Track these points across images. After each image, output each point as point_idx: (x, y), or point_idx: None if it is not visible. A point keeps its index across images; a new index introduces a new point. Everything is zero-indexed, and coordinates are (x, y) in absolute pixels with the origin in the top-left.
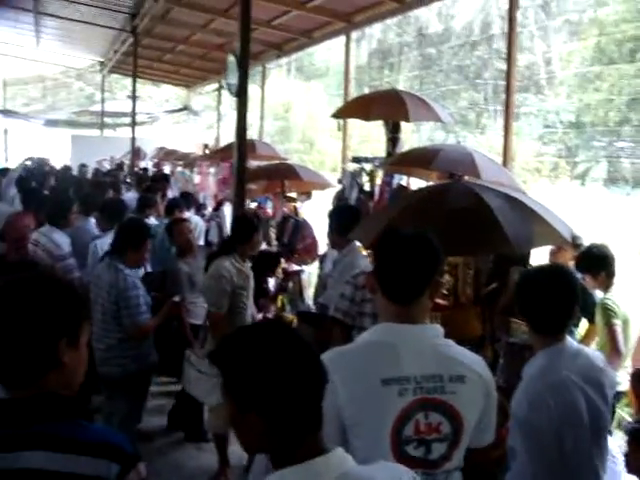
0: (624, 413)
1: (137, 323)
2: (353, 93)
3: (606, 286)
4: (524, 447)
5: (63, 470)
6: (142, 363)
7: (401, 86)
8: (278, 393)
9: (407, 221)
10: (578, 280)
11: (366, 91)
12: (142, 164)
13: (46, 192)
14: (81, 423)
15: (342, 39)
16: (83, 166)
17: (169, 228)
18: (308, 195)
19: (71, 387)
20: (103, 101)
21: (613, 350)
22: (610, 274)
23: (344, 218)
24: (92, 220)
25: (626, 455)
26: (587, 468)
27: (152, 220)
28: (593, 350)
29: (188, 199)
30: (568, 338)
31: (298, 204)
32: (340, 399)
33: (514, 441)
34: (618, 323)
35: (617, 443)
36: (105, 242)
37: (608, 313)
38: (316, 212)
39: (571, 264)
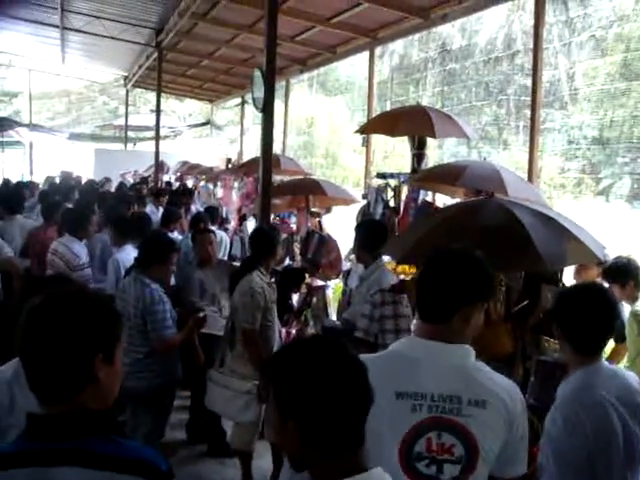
0: None
1: (163, 337)
2: (375, 108)
3: (634, 297)
4: (556, 467)
5: None
6: (168, 377)
7: (424, 101)
8: (318, 404)
9: (440, 237)
10: (616, 300)
11: (388, 106)
12: (165, 178)
13: (69, 205)
14: (115, 439)
15: (365, 55)
16: (107, 180)
17: (193, 238)
18: (328, 209)
19: (106, 403)
20: (127, 115)
21: None
22: (638, 284)
23: (371, 234)
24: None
25: None
26: None
27: (175, 235)
28: (628, 371)
29: (213, 213)
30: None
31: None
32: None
33: (545, 459)
34: None
35: None
36: (125, 256)
37: None
38: (340, 227)
39: (597, 281)
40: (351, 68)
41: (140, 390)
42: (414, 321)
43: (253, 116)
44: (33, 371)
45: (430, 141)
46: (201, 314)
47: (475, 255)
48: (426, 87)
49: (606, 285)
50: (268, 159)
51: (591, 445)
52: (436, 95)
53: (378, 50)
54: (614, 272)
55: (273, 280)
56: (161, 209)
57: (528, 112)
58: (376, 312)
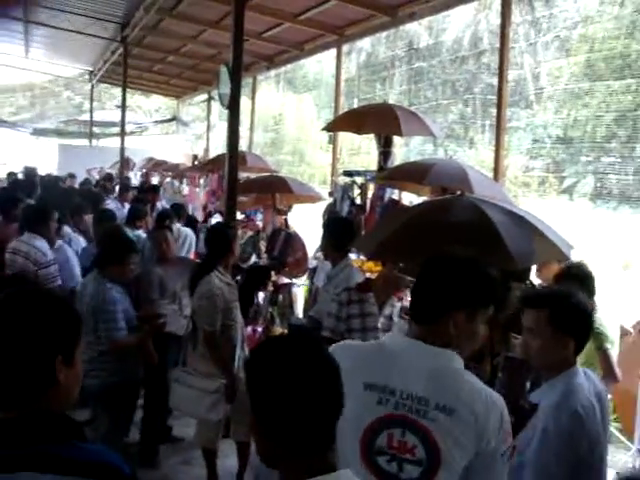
0: (613, 429)
1: (112, 338)
2: (343, 106)
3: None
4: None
5: None
6: (123, 376)
7: (391, 99)
8: (288, 403)
9: (411, 233)
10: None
11: (356, 104)
12: (131, 174)
13: (32, 202)
14: (76, 443)
15: (333, 52)
16: (71, 176)
17: (151, 235)
18: (289, 207)
19: (66, 405)
20: (92, 110)
21: (609, 375)
22: (590, 294)
23: (339, 231)
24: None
25: None
26: None
27: (141, 232)
28: (592, 372)
29: (178, 210)
30: None
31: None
32: None
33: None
34: (609, 347)
35: None
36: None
37: (600, 337)
38: (306, 225)
39: None
40: (319, 65)
41: (93, 389)
42: (381, 319)
43: (220, 112)
44: None
45: (397, 139)
46: (161, 320)
47: (471, 259)
48: (393, 85)
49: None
50: (234, 156)
51: (582, 449)
52: (403, 93)
53: (346, 47)
54: (566, 276)
55: (238, 278)
56: (127, 206)
57: (494, 111)
58: (343, 311)
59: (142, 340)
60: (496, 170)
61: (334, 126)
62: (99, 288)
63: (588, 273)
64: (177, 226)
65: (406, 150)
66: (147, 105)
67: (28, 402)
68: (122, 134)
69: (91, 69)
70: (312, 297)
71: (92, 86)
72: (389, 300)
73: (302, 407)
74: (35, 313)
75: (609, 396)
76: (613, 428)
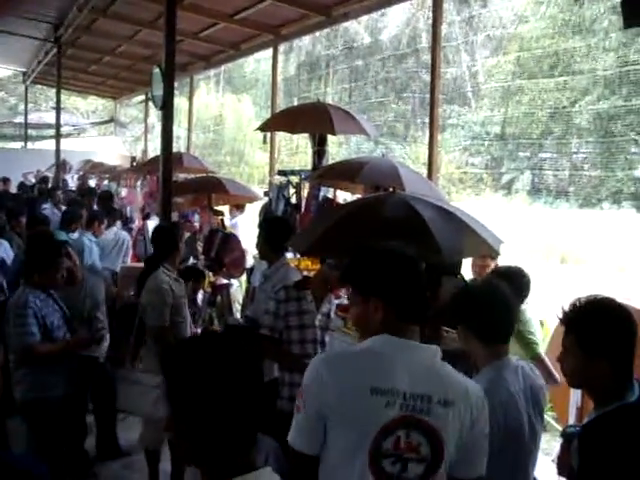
0: (548, 417)
1: (22, 344)
2: (282, 105)
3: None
4: None
5: None
6: (43, 392)
7: (330, 98)
8: (207, 402)
9: (345, 230)
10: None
11: (296, 103)
12: (68, 177)
13: None
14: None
15: (270, 51)
16: (5, 180)
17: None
18: (241, 208)
19: None
20: (26, 112)
21: (549, 379)
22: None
23: (274, 231)
24: None
25: (559, 458)
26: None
27: (76, 235)
28: (530, 365)
29: (111, 213)
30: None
31: (234, 219)
32: (329, 398)
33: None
34: (542, 352)
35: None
36: None
37: (532, 347)
38: (245, 225)
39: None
40: (258, 65)
41: (17, 402)
42: (319, 316)
43: (158, 114)
44: None
45: (336, 138)
46: (97, 336)
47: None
48: (333, 83)
49: None
50: (168, 157)
51: (499, 439)
52: (343, 91)
53: (285, 47)
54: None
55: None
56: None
57: None
58: (281, 309)
59: (61, 349)
60: (430, 167)
61: (268, 126)
62: (19, 295)
63: (517, 273)
64: (114, 229)
65: (347, 148)
66: (84, 106)
67: None
68: (57, 136)
69: (25, 70)
70: (249, 297)
71: (26, 87)
72: (326, 298)
73: (218, 405)
74: None
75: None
76: (549, 417)
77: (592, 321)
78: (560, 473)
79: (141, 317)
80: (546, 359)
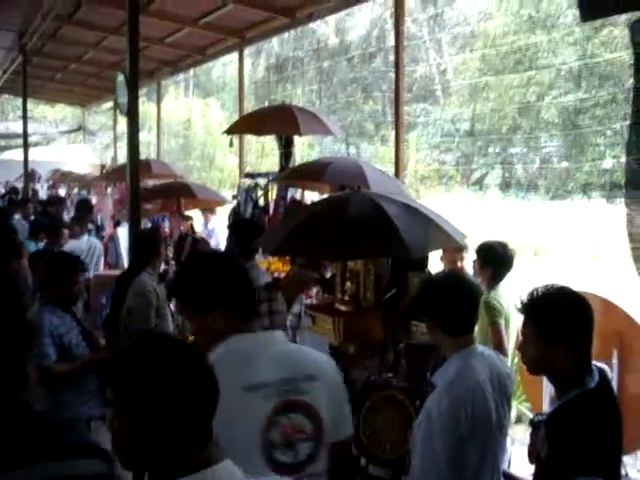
0: (523, 407)
1: (39, 365)
2: (251, 108)
3: (491, 284)
4: (427, 446)
5: (101, 472)
6: (61, 412)
7: (299, 100)
8: (156, 401)
9: (311, 228)
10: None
11: (266, 105)
12: (37, 187)
13: None
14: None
15: (236, 55)
16: None
17: (32, 261)
18: (212, 211)
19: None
20: None
21: (498, 349)
22: (496, 274)
23: (244, 233)
24: None
25: (530, 446)
26: (492, 468)
27: (43, 245)
28: (497, 353)
29: (80, 221)
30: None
31: (209, 224)
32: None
33: (418, 440)
34: (501, 322)
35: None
36: None
37: (492, 312)
38: (222, 229)
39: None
40: (225, 69)
41: None
42: (289, 317)
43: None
44: None
45: (307, 139)
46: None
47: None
48: (302, 85)
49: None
50: (135, 164)
51: (467, 427)
52: (312, 93)
53: (252, 50)
54: (481, 251)
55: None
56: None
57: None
58: None
59: (79, 368)
60: (397, 165)
61: (235, 129)
62: (34, 314)
63: (503, 254)
64: (85, 237)
65: (320, 149)
66: (52, 115)
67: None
68: (25, 145)
69: None
70: None
71: None
72: (297, 298)
73: (168, 403)
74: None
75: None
76: (523, 407)
77: (550, 309)
78: (531, 461)
79: (125, 324)
80: (502, 330)
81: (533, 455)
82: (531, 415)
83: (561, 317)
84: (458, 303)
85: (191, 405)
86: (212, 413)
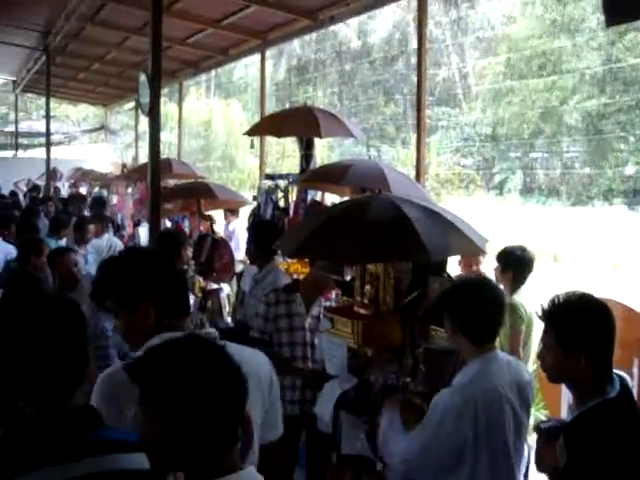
0: (541, 414)
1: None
2: (273, 109)
3: (513, 287)
4: (436, 436)
5: (141, 468)
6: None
7: (320, 102)
8: (188, 404)
9: (330, 231)
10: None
11: (287, 107)
12: (59, 185)
13: None
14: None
15: (258, 56)
16: None
17: (51, 258)
18: (235, 214)
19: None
20: (17, 121)
21: (513, 354)
22: (517, 277)
23: (263, 235)
24: None
25: (537, 453)
26: (505, 473)
27: (63, 242)
28: (518, 360)
29: (101, 220)
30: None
31: (230, 224)
32: None
33: (423, 428)
34: (522, 328)
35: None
36: None
37: (515, 316)
38: (242, 230)
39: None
40: (247, 70)
41: None
42: (308, 319)
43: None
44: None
45: (327, 141)
46: None
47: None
48: (323, 87)
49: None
50: (156, 164)
51: (475, 428)
52: (333, 95)
53: (274, 51)
54: (503, 256)
55: None
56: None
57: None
58: (271, 311)
59: None
60: (418, 169)
61: (256, 130)
62: (92, 318)
63: (524, 257)
64: (106, 236)
65: (337, 151)
66: (75, 114)
67: (64, 397)
68: (47, 144)
69: (14, 79)
70: (239, 301)
71: (16, 96)
72: (317, 300)
73: (201, 406)
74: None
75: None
76: (542, 415)
77: (571, 317)
78: (538, 469)
79: None
80: (520, 336)
81: (541, 464)
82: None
83: (582, 324)
84: (485, 311)
85: (218, 408)
86: (239, 417)
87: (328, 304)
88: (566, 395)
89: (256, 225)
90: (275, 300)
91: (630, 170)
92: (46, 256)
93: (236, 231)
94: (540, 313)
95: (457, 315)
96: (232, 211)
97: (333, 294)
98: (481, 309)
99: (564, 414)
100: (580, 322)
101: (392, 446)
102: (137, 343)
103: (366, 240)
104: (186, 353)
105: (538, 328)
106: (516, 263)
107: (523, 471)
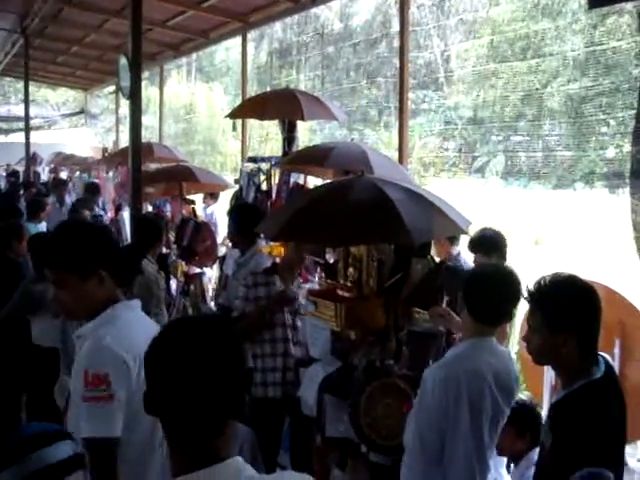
0: (523, 397)
1: None
2: (254, 93)
3: None
4: (418, 419)
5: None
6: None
7: (302, 85)
8: (183, 396)
9: (312, 214)
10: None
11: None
12: (39, 170)
13: None
14: None
15: (240, 39)
16: None
17: (32, 243)
18: (214, 197)
19: None
20: None
21: (500, 341)
22: (502, 258)
23: (245, 218)
24: None
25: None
26: (477, 458)
27: (43, 226)
28: (512, 355)
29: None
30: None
31: (209, 208)
32: (133, 383)
33: (416, 413)
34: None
35: None
36: None
37: None
38: (221, 214)
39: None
40: (229, 53)
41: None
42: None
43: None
44: None
45: (309, 124)
46: None
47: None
48: (305, 70)
49: (470, 255)
50: (137, 147)
51: (459, 407)
52: (315, 78)
53: (255, 34)
54: (479, 242)
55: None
56: None
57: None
58: (250, 293)
59: None
60: (401, 152)
61: (237, 113)
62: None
63: (502, 238)
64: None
65: (320, 135)
66: (54, 98)
67: None
68: (27, 129)
69: None
70: (222, 285)
71: None
72: (295, 281)
73: (190, 396)
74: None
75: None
76: (524, 397)
77: (558, 298)
78: (500, 453)
79: None
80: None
81: (502, 447)
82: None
83: (569, 305)
84: (494, 295)
85: (212, 396)
86: (229, 405)
87: (309, 286)
88: (548, 376)
89: (238, 208)
90: (253, 282)
91: (611, 153)
92: (26, 241)
93: (214, 215)
94: (526, 294)
95: (467, 292)
96: (212, 195)
97: (316, 277)
98: (491, 292)
99: (546, 395)
100: (567, 303)
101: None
102: (84, 314)
103: (349, 222)
104: (187, 336)
105: (520, 311)
106: (493, 244)
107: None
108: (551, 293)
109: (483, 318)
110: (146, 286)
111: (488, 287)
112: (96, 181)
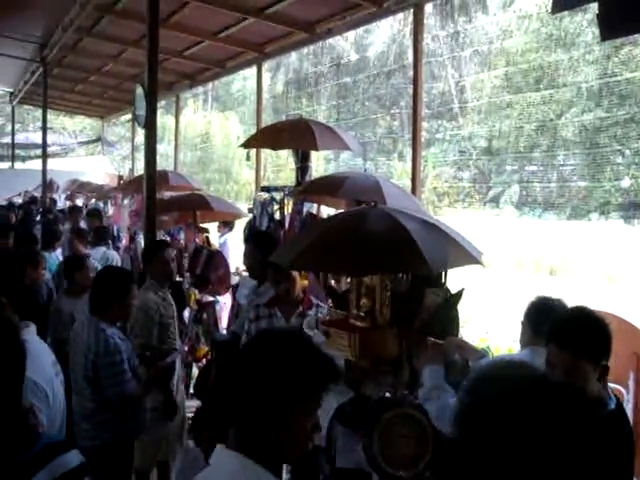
0: None
1: (124, 393)
2: (270, 122)
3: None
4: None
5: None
6: (121, 438)
7: (319, 115)
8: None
9: (326, 244)
10: None
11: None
12: (55, 197)
13: None
14: None
15: (255, 69)
16: None
17: (68, 264)
18: (229, 226)
19: None
20: (13, 132)
21: None
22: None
23: (266, 247)
24: None
25: None
26: None
27: (58, 254)
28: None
29: (101, 232)
30: None
31: (222, 237)
32: None
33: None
34: None
35: None
36: None
37: None
38: (234, 243)
39: None
40: (245, 83)
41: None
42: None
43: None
44: None
45: (325, 153)
46: (168, 360)
47: None
48: (321, 101)
49: None
50: (152, 176)
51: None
52: (331, 108)
53: (272, 64)
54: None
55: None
56: None
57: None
58: (252, 327)
59: (147, 390)
60: (414, 182)
61: (252, 143)
62: (98, 335)
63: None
64: (102, 249)
65: (335, 165)
66: (72, 126)
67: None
68: (44, 156)
69: (11, 90)
70: (234, 313)
71: (13, 108)
72: (296, 311)
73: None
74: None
75: None
76: None
77: (587, 332)
78: None
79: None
80: None
81: None
82: None
83: (597, 338)
84: (555, 315)
85: None
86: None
87: (312, 311)
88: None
89: (257, 236)
90: (255, 316)
91: (626, 183)
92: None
93: (227, 243)
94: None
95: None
96: (225, 223)
97: (325, 307)
98: (553, 312)
99: None
100: (595, 336)
101: None
102: None
103: (364, 252)
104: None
105: None
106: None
107: None
108: (577, 329)
109: (538, 329)
110: (142, 311)
111: (551, 311)
112: (100, 207)
